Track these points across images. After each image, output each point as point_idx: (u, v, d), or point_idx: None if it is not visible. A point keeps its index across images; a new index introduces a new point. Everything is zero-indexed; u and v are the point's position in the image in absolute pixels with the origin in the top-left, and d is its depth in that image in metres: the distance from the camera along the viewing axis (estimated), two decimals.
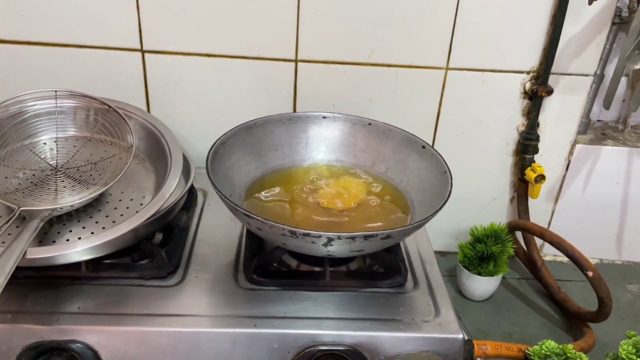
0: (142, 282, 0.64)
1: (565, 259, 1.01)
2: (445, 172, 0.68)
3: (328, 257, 0.66)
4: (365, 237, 0.57)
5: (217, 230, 0.74)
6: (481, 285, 0.87)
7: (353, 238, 0.57)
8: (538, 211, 0.95)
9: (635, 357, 0.61)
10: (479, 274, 0.86)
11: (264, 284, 0.64)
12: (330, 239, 0.56)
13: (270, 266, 0.68)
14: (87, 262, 0.62)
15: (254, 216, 0.58)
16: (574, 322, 0.85)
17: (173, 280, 0.64)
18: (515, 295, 0.92)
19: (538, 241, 0.95)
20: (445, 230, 0.98)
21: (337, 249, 0.58)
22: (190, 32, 0.80)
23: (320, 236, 0.56)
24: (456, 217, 0.96)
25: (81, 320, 0.58)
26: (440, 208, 0.61)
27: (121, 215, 0.68)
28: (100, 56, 0.81)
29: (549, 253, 1.01)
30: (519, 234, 0.95)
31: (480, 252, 0.84)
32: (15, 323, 0.57)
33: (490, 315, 0.88)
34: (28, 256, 0.56)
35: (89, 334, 0.57)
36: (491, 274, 0.85)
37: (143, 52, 0.81)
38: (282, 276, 0.66)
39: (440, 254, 1.00)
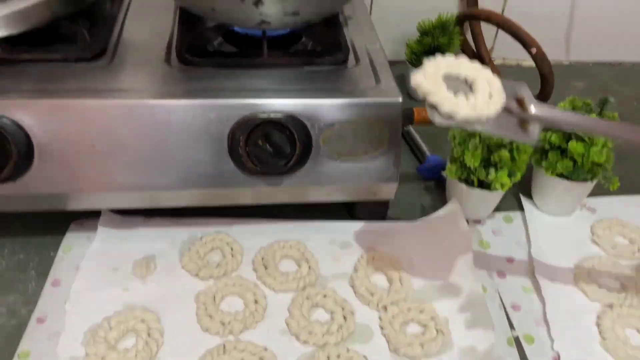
0: (68, 65, 0.60)
1: (514, 62, 1.02)
2: None
3: (265, 36, 0.62)
4: None
5: (147, 22, 0.69)
6: None
7: None
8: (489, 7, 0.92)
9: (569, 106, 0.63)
10: None
11: (198, 64, 0.61)
12: None
13: (205, 48, 0.64)
14: (3, 43, 0.58)
15: None
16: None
17: (101, 62, 0.61)
18: None
19: (488, 43, 0.94)
20: (393, 35, 0.95)
21: (269, 9, 0.55)
22: None
23: None
24: (404, 19, 0.92)
25: (4, 96, 0.54)
26: None
27: None
28: None
29: (497, 57, 1.00)
30: (469, 36, 0.93)
31: (427, 46, 0.83)
32: None
33: None
34: None
35: (15, 109, 0.54)
36: None
37: None
38: (217, 55, 0.63)
39: (390, 64, 0.98)
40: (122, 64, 0.61)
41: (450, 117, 0.45)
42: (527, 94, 0.49)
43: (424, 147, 0.77)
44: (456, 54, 0.85)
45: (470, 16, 0.84)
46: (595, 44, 1.00)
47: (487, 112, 0.45)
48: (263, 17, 0.56)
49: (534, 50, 0.72)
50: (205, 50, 0.64)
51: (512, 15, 0.94)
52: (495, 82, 0.47)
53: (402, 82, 0.92)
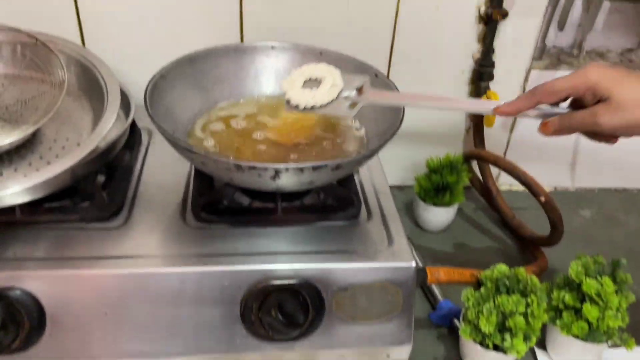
0: (84, 225, 0.60)
1: (521, 188, 1.02)
2: None
3: (279, 192, 0.64)
4: (315, 168, 0.55)
5: (163, 171, 0.70)
6: (437, 216, 0.87)
7: (301, 169, 0.55)
8: (494, 141, 0.95)
9: (584, 277, 0.63)
10: (435, 204, 0.85)
11: (213, 222, 0.62)
12: (277, 171, 0.54)
13: (219, 204, 0.65)
14: (22, 206, 0.59)
15: (197, 151, 0.55)
16: (527, 247, 0.86)
17: (117, 222, 0.61)
18: (471, 225, 0.93)
19: (494, 171, 0.95)
20: (401, 163, 0.97)
21: (286, 181, 0.56)
22: None
23: (267, 169, 0.54)
24: (412, 150, 0.95)
25: (18, 265, 0.55)
26: (391, 137, 0.59)
27: (57, 156, 0.64)
28: None
29: (504, 183, 1.01)
30: (475, 164, 0.95)
31: (436, 183, 0.84)
32: None
33: (446, 245, 0.89)
34: None
35: (28, 280, 0.54)
36: (447, 204, 0.85)
37: None
38: (231, 213, 0.64)
39: (397, 188, 1.00)
40: (138, 222, 0.62)
41: (297, 107, 0.60)
42: (366, 84, 0.62)
43: (436, 291, 0.76)
44: (464, 189, 0.87)
45: (478, 157, 0.85)
46: (601, 170, 1.02)
47: (322, 101, 0.60)
48: (279, 187, 0.57)
49: (542, 199, 0.73)
50: (221, 204, 0.65)
51: (518, 143, 0.97)
52: (337, 78, 0.62)
53: (410, 209, 0.93)
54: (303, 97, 0.60)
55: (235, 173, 0.55)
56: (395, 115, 0.64)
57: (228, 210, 0.65)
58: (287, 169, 0.54)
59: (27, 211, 0.59)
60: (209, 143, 0.66)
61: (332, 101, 0.60)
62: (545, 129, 0.56)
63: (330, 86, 0.61)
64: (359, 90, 0.61)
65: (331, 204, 0.67)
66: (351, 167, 0.60)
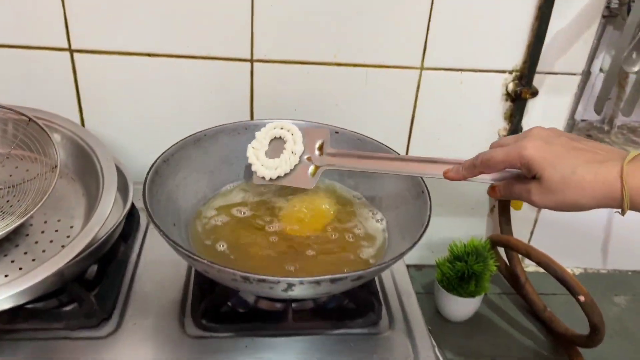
0: (69, 334, 0.53)
1: None
2: (422, 192, 0.60)
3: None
4: (333, 281, 0.48)
5: (162, 261, 0.63)
6: (461, 307, 0.80)
7: (318, 282, 0.48)
8: (520, 220, 0.88)
9: None
10: (459, 294, 0.78)
11: (215, 330, 0.55)
12: (290, 285, 0.47)
13: (222, 306, 0.58)
14: (1, 311, 0.52)
15: (199, 259, 0.48)
16: (561, 344, 0.78)
17: (106, 329, 0.54)
18: (497, 313, 0.85)
19: None
20: (420, 242, 0.90)
21: (299, 293, 0.49)
22: (127, 27, 0.69)
23: (279, 282, 0.47)
24: (433, 229, 0.86)
25: None
26: (418, 240, 0.53)
27: (43, 251, 0.57)
28: (20, 57, 0.69)
29: (532, 264, 0.94)
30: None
31: (461, 272, 0.77)
32: None
33: (471, 337, 0.81)
34: None
35: None
36: (472, 294, 0.78)
37: (71, 51, 0.70)
38: (236, 319, 0.57)
39: (415, 268, 0.93)
40: (130, 330, 0.55)
41: (264, 178, 0.61)
42: (326, 142, 0.62)
43: None
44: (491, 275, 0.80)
45: (507, 245, 0.78)
46: (633, 251, 0.95)
47: (286, 170, 0.60)
48: (292, 297, 0.51)
49: (582, 298, 0.66)
50: (224, 306, 0.58)
51: (546, 221, 0.91)
52: (298, 143, 0.61)
53: (429, 290, 0.86)
54: (267, 169, 0.61)
55: (242, 284, 0.48)
56: (421, 207, 0.58)
57: (231, 314, 0.58)
58: (301, 282, 0.47)
59: (7, 317, 0.53)
60: (221, 247, 0.59)
61: (295, 167, 0.61)
62: (492, 193, 0.57)
63: (291, 153, 0.61)
64: (320, 150, 0.62)
65: (348, 306, 0.60)
66: (373, 275, 0.53)
